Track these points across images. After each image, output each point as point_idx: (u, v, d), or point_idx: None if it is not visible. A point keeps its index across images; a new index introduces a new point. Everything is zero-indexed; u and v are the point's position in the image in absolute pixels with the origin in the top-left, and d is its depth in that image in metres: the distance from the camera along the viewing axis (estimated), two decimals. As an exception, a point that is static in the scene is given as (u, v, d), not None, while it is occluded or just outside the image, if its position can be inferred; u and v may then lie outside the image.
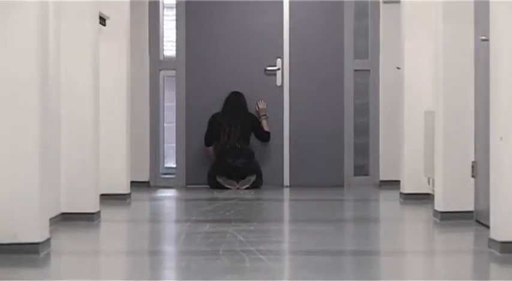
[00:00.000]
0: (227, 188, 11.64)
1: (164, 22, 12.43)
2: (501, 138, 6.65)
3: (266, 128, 11.91)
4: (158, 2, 12.24)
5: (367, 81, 12.22)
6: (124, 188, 10.13)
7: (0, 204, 6.76)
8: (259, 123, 11.94)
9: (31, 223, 6.90)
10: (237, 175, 11.81)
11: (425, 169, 9.76)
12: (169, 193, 11.54)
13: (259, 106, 11.92)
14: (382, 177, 12.12)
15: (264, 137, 11.98)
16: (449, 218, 8.40)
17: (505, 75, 6.69)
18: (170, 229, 8.93)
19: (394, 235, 8.41)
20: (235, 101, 12.00)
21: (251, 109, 12.22)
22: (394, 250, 7.57)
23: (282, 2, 12.26)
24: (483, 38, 7.43)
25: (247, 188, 11.69)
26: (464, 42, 8.48)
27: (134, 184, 10.73)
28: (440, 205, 8.51)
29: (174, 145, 12.30)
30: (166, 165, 12.30)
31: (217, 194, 11.26)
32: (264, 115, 11.93)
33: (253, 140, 12.16)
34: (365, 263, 6.88)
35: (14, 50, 6.82)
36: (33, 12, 6.91)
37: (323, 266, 6.54)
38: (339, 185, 12.07)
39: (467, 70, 8.43)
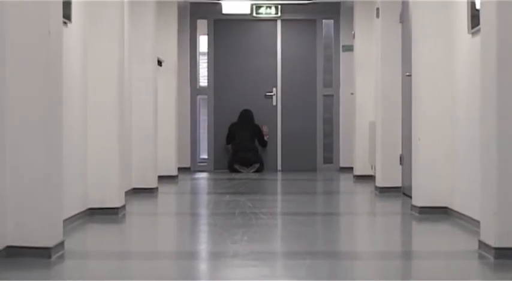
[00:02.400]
0: (240, 172, 12.58)
1: (200, 64, 13.45)
2: (419, 139, 7.23)
3: (265, 139, 12.96)
4: (196, 51, 13.28)
5: (331, 102, 13.38)
6: (174, 171, 10.87)
7: (95, 182, 6.94)
8: (261, 131, 12.90)
9: (113, 194, 7.01)
10: (246, 163, 12.76)
11: (369, 159, 10.44)
12: (203, 175, 12.34)
13: (264, 129, 12.96)
14: (341, 164, 13.08)
15: (263, 144, 13.02)
16: (384, 191, 8.80)
17: (421, 98, 7.19)
18: (203, 198, 9.46)
19: (348, 202, 9.03)
20: (246, 115, 13.06)
21: (256, 121, 13.00)
22: (348, 212, 8.11)
23: (276, 51, 13.35)
24: (407, 74, 8.03)
25: (253, 172, 12.58)
26: (395, 76, 9.02)
27: (180, 169, 11.61)
28: (379, 182, 9.12)
29: (206, 143, 13.38)
30: (201, 156, 13.48)
31: (233, 175, 12.09)
32: (266, 135, 12.90)
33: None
34: (329, 220, 7.31)
35: (103, 81, 6.97)
36: (115, 57, 7.09)
37: (302, 222, 6.97)
38: (313, 169, 13.07)
39: (396, 95, 9.12)
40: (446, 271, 4.55)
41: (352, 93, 11.55)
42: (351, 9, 11.79)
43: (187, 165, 12.85)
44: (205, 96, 13.20)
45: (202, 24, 13.17)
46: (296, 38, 13.19)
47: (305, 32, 13.16)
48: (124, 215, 6.90)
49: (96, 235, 5.99)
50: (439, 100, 6.97)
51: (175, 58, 10.97)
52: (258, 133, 12.86)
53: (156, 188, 9.04)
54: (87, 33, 6.81)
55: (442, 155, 6.94)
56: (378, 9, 9.10)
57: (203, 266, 4.88)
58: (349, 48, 12.15)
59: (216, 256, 5.16)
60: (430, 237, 5.98)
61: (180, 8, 12.00)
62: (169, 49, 10.79)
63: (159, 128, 9.56)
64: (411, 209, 7.12)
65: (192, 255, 5.29)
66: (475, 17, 5.95)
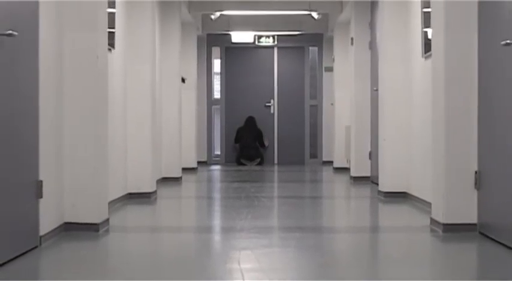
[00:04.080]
0: (245, 165, 12.64)
1: (214, 81, 13.52)
2: (384, 139, 7.25)
3: (265, 144, 12.91)
4: (211, 71, 13.36)
5: (316, 111, 13.39)
6: (194, 164, 10.91)
7: (133, 173, 6.94)
8: (262, 135, 12.91)
9: (147, 182, 6.96)
10: (250, 158, 12.81)
11: (345, 155, 10.53)
12: (216, 167, 12.36)
13: (265, 141, 12.92)
14: (324, 159, 13.06)
15: (262, 146, 12.95)
16: (357, 180, 8.80)
17: (385, 107, 7.17)
18: (217, 185, 9.38)
19: (329, 188, 8.93)
20: (250, 121, 13.08)
21: (258, 126, 13.03)
22: (329, 196, 8.05)
23: (273, 71, 13.31)
24: (375, 89, 8.02)
25: (256, 165, 12.63)
26: (365, 91, 8.98)
27: (199, 163, 11.72)
28: (353, 173, 9.14)
29: (219, 142, 13.40)
30: (215, 152, 13.52)
31: (240, 167, 12.20)
32: (267, 143, 12.93)
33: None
34: (314, 202, 7.31)
35: (139, 94, 6.99)
36: (148, 76, 7.10)
37: (293, 204, 7.01)
38: (302, 163, 13.12)
39: (366, 105, 9.05)
40: (405, 241, 4.55)
41: (332, 104, 11.55)
42: (331, 39, 11.80)
43: (205, 159, 12.83)
44: (219, 106, 13.17)
45: (216, 50, 13.17)
46: (288, 61, 13.16)
47: (295, 56, 13.12)
48: (155, 198, 6.88)
49: (134, 214, 5.97)
50: (399, 109, 6.92)
51: (195, 76, 10.94)
52: (259, 135, 12.81)
53: (180, 177, 9.01)
54: (127, 58, 6.81)
55: (401, 152, 6.90)
56: (352, 38, 9.08)
57: (217, 237, 4.87)
58: (330, 69, 12.12)
59: (227, 230, 5.15)
60: (392, 215, 5.97)
61: (199, 38, 12.01)
62: (191, 70, 10.75)
63: (182, 131, 9.51)
64: (378, 194, 7.10)
65: (208, 229, 5.29)
66: (427, 45, 5.97)
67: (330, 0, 10.12)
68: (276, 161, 13.07)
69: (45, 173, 4.25)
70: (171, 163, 8.94)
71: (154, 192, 6.98)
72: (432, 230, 4.79)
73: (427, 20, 5.92)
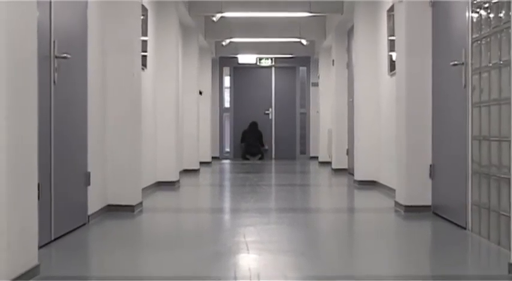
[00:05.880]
0: (249, 160, 12.62)
1: (224, 94, 13.40)
2: (359, 140, 7.32)
3: (265, 147, 12.84)
4: (222, 85, 13.28)
5: (305, 117, 13.37)
6: (209, 159, 10.95)
7: (161, 166, 7.00)
8: (262, 136, 12.78)
9: (172, 173, 6.97)
10: (253, 154, 12.77)
11: (328, 151, 10.64)
12: (226, 161, 12.33)
13: (265, 144, 12.80)
14: (311, 155, 13.04)
15: (263, 146, 12.78)
16: (337, 171, 8.81)
17: (359, 114, 7.22)
18: (226, 175, 9.17)
19: (315, 178, 8.76)
20: (253, 125, 13.02)
21: (259, 128, 12.96)
22: (315, 184, 7.91)
23: (271, 86, 13.25)
24: (351, 99, 7.63)
25: (257, 160, 12.61)
26: (343, 101, 9.04)
27: (213, 158, 12.00)
28: (334, 165, 9.23)
29: (229, 142, 13.32)
30: (225, 150, 13.43)
31: (245, 162, 12.22)
32: (267, 146, 12.86)
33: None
34: (303, 189, 7.25)
35: (166, 104, 7.01)
36: (173, 90, 7.14)
37: (287, 190, 7.01)
38: (294, 158, 13.14)
39: (344, 112, 9.04)
40: (374, 219, 4.56)
41: (317, 112, 11.57)
42: (317, 61, 11.88)
43: (217, 155, 12.84)
44: (228, 113, 13.14)
45: (226, 69, 13.14)
46: (283, 78, 13.12)
47: (289, 74, 13.10)
48: (178, 186, 6.89)
49: (161, 198, 5.95)
50: (370, 115, 6.93)
51: (210, 90, 10.93)
52: (260, 136, 12.75)
53: (198, 170, 9.04)
54: (156, 75, 6.80)
55: (372, 149, 6.90)
56: (333, 60, 9.05)
57: (227, 216, 4.87)
58: (316, 84, 12.19)
59: (234, 210, 5.15)
60: (364, 199, 5.96)
61: (213, 60, 12.07)
62: (206, 84, 10.75)
63: (199, 133, 9.51)
64: (353, 182, 7.11)
65: (220, 210, 5.30)
66: (392, 65, 5.96)
67: (315, 29, 10.14)
68: (273, 156, 13.04)
69: (92, 166, 4.27)
70: (191, 158, 8.94)
71: (178, 181, 6.99)
72: (396, 211, 4.80)
73: (392, 46, 5.92)
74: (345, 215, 4.95)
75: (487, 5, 3.52)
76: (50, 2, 3.46)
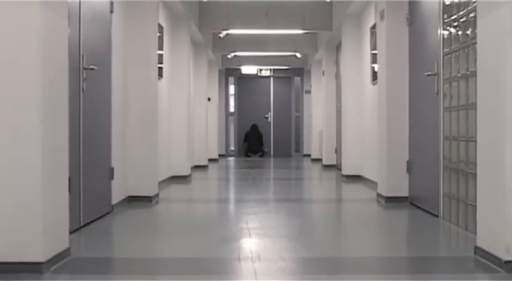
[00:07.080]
0: (251, 157, 12.65)
1: (230, 100, 13.41)
2: (346, 140, 7.21)
3: (265, 149, 12.84)
4: (228, 93, 13.17)
5: (299, 120, 13.34)
6: (216, 156, 10.90)
7: (174, 162, 6.93)
8: (262, 137, 12.77)
9: (184, 168, 6.88)
10: (254, 152, 12.84)
11: (319, 150, 10.61)
12: (231, 159, 12.25)
13: (265, 146, 12.75)
14: (304, 153, 12.98)
15: (262, 146, 12.76)
16: (327, 167, 8.71)
17: (346, 118, 7.14)
18: (231, 170, 9.09)
19: (307, 173, 8.59)
20: (254, 127, 13.02)
21: (260, 130, 12.97)
22: (307, 178, 7.77)
23: (270, 93, 13.18)
24: (339, 105, 7.70)
25: (258, 157, 12.65)
26: (332, 107, 8.96)
27: (220, 155, 12.00)
28: (324, 162, 9.13)
29: (233, 141, 13.30)
30: (230, 148, 13.45)
31: (247, 159, 12.20)
32: (267, 149, 12.88)
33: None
34: (298, 182, 7.15)
35: (179, 109, 6.96)
36: (185, 97, 7.07)
37: (283, 183, 6.95)
38: (289, 156, 13.15)
39: (333, 116, 8.95)
40: (359, 208, 4.54)
41: (310, 115, 11.57)
42: (309, 72, 11.85)
43: (224, 153, 12.81)
44: (233, 117, 13.14)
45: (231, 79, 13.11)
46: (280, 86, 13.10)
47: (285, 83, 13.09)
48: (190, 179, 6.88)
49: (175, 190, 5.93)
50: (356, 119, 6.90)
51: (217, 97, 10.94)
52: (260, 137, 12.82)
53: (207, 165, 9.02)
54: (170, 84, 6.79)
55: (357, 147, 6.89)
56: (323, 71, 9.03)
57: (231, 206, 4.83)
58: (309, 92, 12.18)
59: (238, 201, 5.12)
60: (351, 191, 5.94)
61: (220, 71, 12.04)
62: (214, 92, 10.75)
63: (208, 134, 9.56)
64: (341, 177, 7.09)
65: (226, 200, 5.27)
66: (374, 75, 5.95)
67: (308, 44, 10.14)
68: (272, 154, 13.05)
69: (116, 162, 4.26)
70: (201, 155, 8.92)
71: (190, 175, 6.99)
72: (378, 201, 4.80)
73: (374, 59, 5.90)
74: (334, 205, 4.93)
75: (456, 24, 3.54)
76: (79, 21, 3.47)
